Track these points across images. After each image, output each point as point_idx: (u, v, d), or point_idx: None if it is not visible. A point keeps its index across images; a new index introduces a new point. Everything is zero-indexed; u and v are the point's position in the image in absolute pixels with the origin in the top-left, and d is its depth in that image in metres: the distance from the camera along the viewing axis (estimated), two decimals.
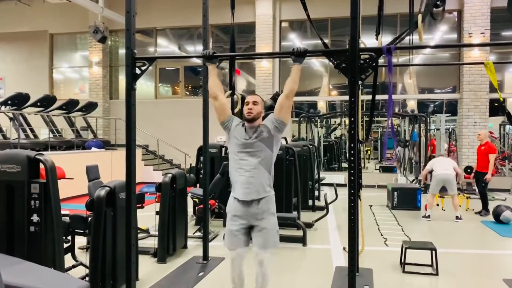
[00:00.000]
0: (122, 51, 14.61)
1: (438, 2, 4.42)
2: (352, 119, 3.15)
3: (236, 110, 4.51)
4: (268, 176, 3.19)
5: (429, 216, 7.42)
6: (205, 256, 4.84)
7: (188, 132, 11.55)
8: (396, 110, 13.11)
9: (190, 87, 14.64)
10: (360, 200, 4.16)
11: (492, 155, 7.55)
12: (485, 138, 7.83)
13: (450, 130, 12.41)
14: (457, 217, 7.28)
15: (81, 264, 4.27)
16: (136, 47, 3.63)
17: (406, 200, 8.33)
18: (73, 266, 4.23)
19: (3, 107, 10.16)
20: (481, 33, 11.22)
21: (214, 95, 3.36)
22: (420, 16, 4.23)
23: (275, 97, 7.52)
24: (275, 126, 3.19)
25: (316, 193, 9.00)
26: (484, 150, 7.64)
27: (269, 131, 3.19)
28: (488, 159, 7.55)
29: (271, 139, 3.19)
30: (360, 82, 3.37)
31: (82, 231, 4.02)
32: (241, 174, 3.15)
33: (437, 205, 8.38)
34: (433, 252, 4.57)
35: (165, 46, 14.62)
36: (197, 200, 6.59)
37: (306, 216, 7.11)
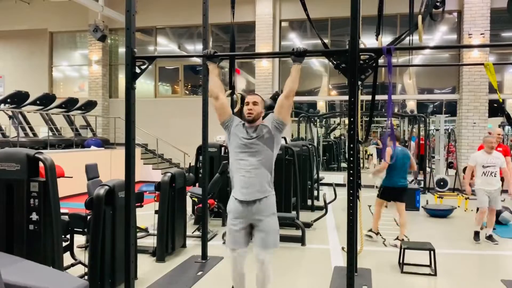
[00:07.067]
0: (122, 50, 14.59)
1: (438, 3, 4.42)
2: (352, 119, 3.15)
3: (235, 110, 4.51)
4: (268, 176, 3.17)
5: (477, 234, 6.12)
6: (204, 255, 4.85)
7: (187, 131, 11.53)
8: (396, 110, 13.11)
9: (189, 86, 14.63)
10: (359, 200, 4.17)
11: (509, 157, 7.12)
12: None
13: (450, 130, 12.42)
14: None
15: (80, 262, 4.27)
16: (136, 46, 3.63)
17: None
18: (72, 265, 4.23)
19: (2, 105, 10.14)
20: (481, 34, 11.22)
21: (215, 96, 3.35)
22: (420, 17, 4.23)
23: (274, 97, 7.52)
24: (275, 126, 3.18)
25: (315, 193, 9.00)
26: (502, 152, 6.72)
27: (269, 131, 3.18)
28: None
29: (272, 139, 3.18)
30: (359, 82, 3.37)
31: (81, 230, 4.02)
32: (242, 175, 3.13)
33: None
34: (432, 252, 4.58)
35: (165, 45, 14.61)
36: (196, 199, 6.60)
37: (305, 216, 7.12)
